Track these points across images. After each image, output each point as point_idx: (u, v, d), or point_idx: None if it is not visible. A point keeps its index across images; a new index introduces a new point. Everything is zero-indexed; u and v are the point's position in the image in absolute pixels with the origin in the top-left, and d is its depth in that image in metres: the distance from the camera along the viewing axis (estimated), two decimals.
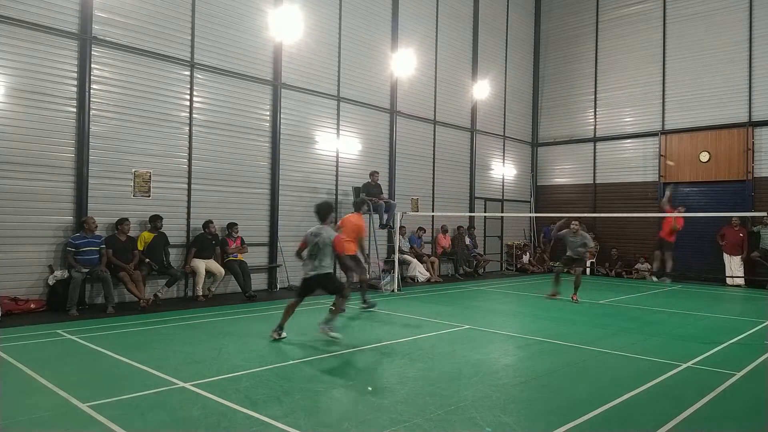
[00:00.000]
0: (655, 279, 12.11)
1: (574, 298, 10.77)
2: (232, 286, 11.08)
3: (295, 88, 12.31)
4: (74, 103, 9.16)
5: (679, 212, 12.38)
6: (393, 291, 11.84)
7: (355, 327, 7.95)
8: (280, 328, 6.92)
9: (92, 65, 9.30)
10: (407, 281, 13.85)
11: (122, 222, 9.31)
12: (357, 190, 12.86)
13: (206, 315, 8.69)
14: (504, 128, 18.40)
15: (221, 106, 11.09)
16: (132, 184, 9.84)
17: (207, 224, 10.40)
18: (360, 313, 9.07)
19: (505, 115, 18.42)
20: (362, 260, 9.42)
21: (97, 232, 9.06)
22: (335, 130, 13.16)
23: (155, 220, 9.74)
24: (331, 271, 7.00)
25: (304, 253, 6.97)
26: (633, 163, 17.17)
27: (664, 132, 16.38)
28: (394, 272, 12.19)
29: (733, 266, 14.50)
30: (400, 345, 6.79)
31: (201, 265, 10.17)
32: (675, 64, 16.30)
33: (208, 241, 10.40)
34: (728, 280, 14.57)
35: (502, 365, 6.00)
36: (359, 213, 9.47)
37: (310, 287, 6.96)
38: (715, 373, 5.74)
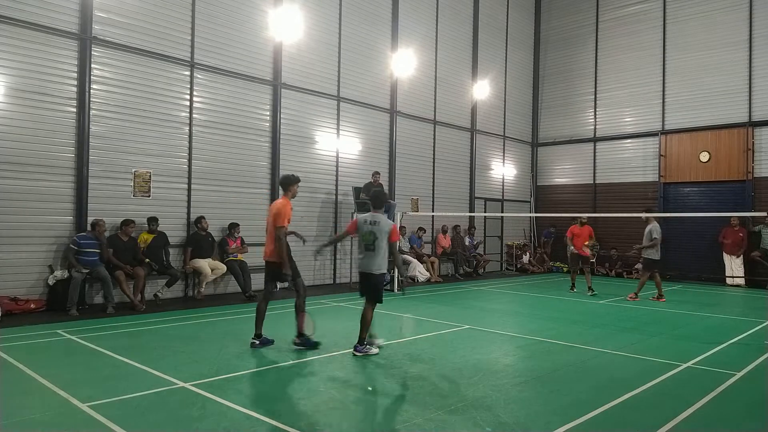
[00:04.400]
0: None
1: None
2: (232, 286, 11.08)
3: (295, 88, 12.30)
4: (74, 103, 9.16)
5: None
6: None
7: (355, 327, 7.92)
8: (371, 336, 6.43)
9: (92, 65, 9.30)
10: (407, 281, 13.84)
11: (127, 224, 9.31)
12: (357, 190, 12.87)
13: (206, 315, 8.69)
14: (504, 128, 18.40)
15: (221, 106, 11.09)
16: (132, 184, 9.84)
17: (198, 221, 10.39)
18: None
19: (505, 115, 18.42)
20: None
21: None
22: (335, 130, 13.16)
23: (151, 222, 9.73)
24: (386, 272, 6.48)
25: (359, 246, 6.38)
26: (633, 163, 17.17)
27: (664, 132, 16.37)
28: (393, 272, 12.17)
29: (733, 266, 14.50)
30: (400, 345, 6.79)
31: (204, 264, 10.17)
32: (675, 64, 16.30)
33: (203, 238, 10.39)
34: (728, 280, 14.56)
35: (502, 365, 6.00)
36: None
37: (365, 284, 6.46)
38: (715, 373, 5.73)
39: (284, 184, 6.73)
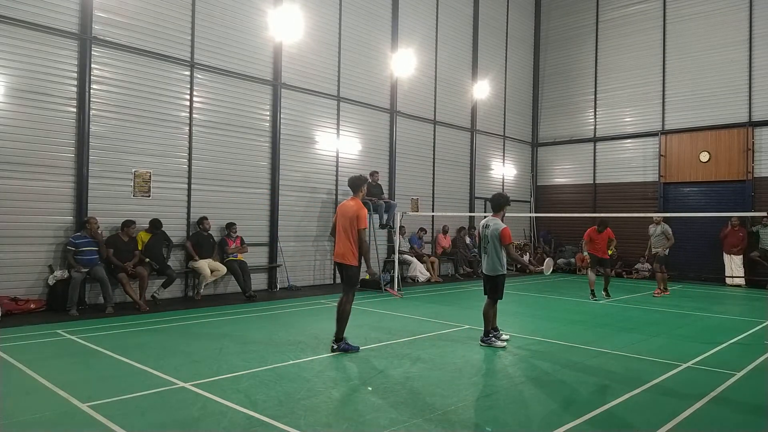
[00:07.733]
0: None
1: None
2: (232, 286, 11.07)
3: (295, 88, 12.30)
4: (74, 103, 9.16)
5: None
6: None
7: (355, 327, 7.93)
8: (496, 330, 6.95)
9: (92, 65, 9.29)
10: (407, 281, 13.85)
11: (129, 225, 9.31)
12: None
13: (206, 315, 8.69)
14: (504, 128, 18.40)
15: (221, 106, 11.09)
16: (132, 184, 9.84)
17: (201, 221, 10.41)
18: (361, 313, 9.06)
19: (505, 115, 18.42)
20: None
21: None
22: (335, 130, 13.16)
23: (152, 224, 9.71)
24: (503, 273, 6.83)
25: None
26: (633, 163, 17.17)
27: (664, 132, 16.38)
28: (394, 272, 12.18)
29: (733, 266, 14.50)
30: (400, 345, 6.79)
31: (204, 265, 10.16)
32: (675, 64, 16.30)
33: (205, 238, 10.39)
34: (728, 280, 14.56)
35: (502, 365, 6.00)
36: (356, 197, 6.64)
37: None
38: (715, 373, 5.74)
39: (355, 185, 6.62)
